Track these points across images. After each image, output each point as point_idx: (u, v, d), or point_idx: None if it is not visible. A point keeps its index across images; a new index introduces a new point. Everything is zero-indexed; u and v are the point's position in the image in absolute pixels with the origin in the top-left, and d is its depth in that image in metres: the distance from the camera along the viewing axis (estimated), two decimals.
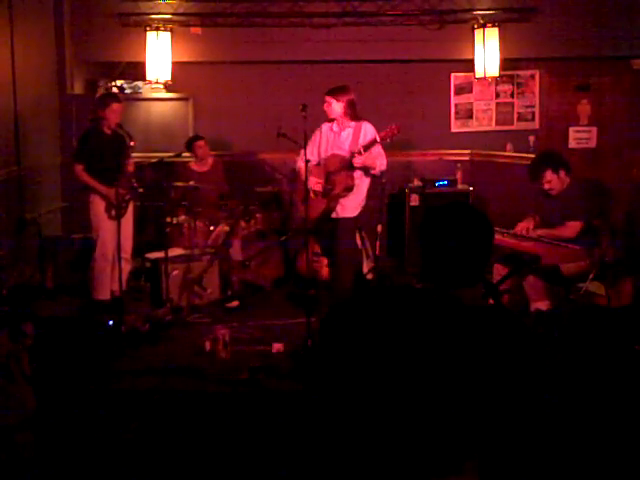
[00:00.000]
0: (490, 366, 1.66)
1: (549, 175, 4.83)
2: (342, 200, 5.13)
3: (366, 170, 5.07)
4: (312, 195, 5.10)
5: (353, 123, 5.09)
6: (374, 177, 5.27)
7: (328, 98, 5.08)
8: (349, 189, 5.08)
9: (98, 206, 5.58)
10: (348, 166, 5.00)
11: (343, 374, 1.74)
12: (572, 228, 4.73)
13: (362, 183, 5.15)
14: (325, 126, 5.22)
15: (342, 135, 5.13)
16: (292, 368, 4.44)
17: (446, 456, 1.66)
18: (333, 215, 5.18)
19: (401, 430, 1.66)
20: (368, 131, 5.05)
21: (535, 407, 1.68)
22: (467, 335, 1.68)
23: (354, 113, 5.09)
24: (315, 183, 5.12)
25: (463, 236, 1.79)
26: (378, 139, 4.95)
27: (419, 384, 1.66)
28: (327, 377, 1.79)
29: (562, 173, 4.83)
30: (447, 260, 1.80)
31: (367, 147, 4.94)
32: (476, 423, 1.65)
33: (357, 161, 4.94)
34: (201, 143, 6.67)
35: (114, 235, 5.31)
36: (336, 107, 5.07)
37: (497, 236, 4.59)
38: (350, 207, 5.16)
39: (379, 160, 5.04)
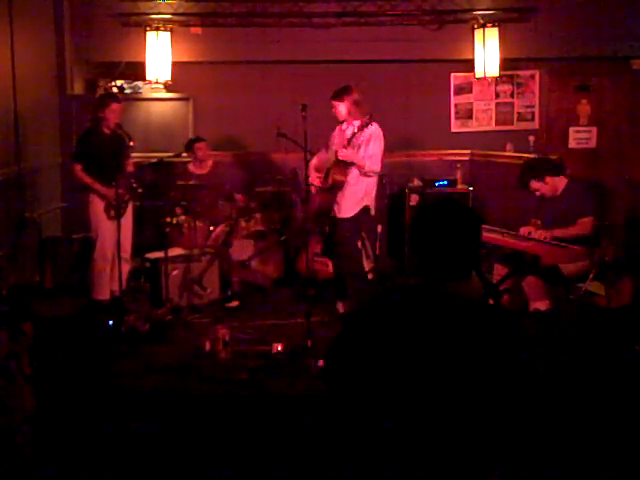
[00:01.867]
0: (486, 362, 1.71)
1: (535, 184, 4.86)
2: (339, 199, 5.21)
3: (356, 166, 5.14)
4: (313, 190, 5.27)
5: (358, 122, 5.13)
6: (380, 178, 5.36)
7: (333, 102, 5.20)
8: (338, 184, 5.15)
9: (97, 206, 5.58)
10: (338, 160, 5.12)
11: (357, 375, 1.82)
12: (585, 225, 4.72)
13: (358, 183, 5.18)
14: (338, 127, 5.38)
15: (347, 133, 5.23)
16: (292, 367, 4.44)
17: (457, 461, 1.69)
18: (331, 214, 5.25)
19: (407, 431, 1.69)
20: (369, 131, 5.08)
21: (531, 406, 1.71)
22: (465, 331, 1.73)
23: (360, 111, 5.18)
24: (315, 177, 5.30)
25: (451, 230, 1.85)
26: (358, 124, 5.08)
27: (425, 383, 1.71)
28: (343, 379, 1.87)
29: (548, 178, 4.83)
30: (436, 254, 1.85)
31: (350, 140, 5.08)
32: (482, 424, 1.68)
33: (340, 154, 5.09)
34: (201, 145, 6.61)
35: (113, 235, 5.32)
36: (342, 109, 5.19)
37: (497, 236, 4.59)
38: (346, 207, 5.20)
39: (370, 160, 5.10)
